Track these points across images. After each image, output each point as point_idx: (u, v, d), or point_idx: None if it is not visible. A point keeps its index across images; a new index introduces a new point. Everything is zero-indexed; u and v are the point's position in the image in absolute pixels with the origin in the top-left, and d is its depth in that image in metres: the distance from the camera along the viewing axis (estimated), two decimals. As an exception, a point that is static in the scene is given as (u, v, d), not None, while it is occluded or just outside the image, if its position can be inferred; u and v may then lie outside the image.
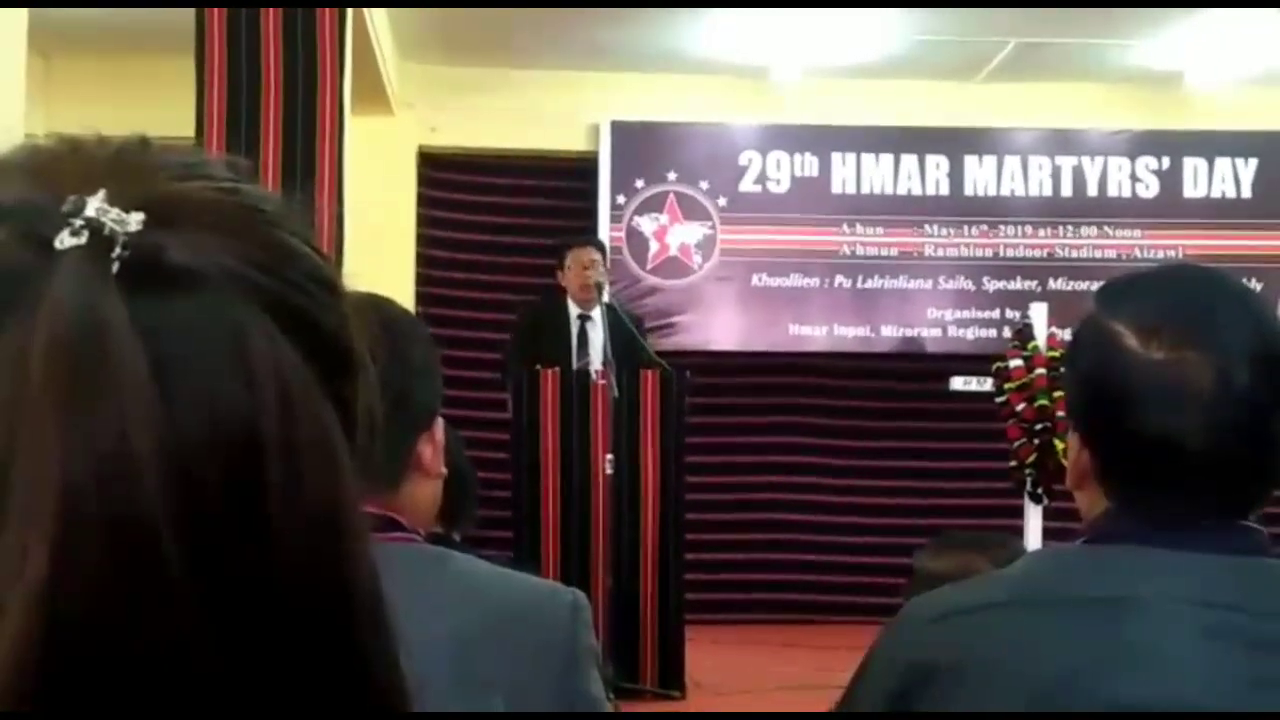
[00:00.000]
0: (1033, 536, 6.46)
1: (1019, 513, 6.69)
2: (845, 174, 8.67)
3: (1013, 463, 6.60)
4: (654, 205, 8.59)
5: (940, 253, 8.69)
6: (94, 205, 0.54)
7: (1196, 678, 1.29)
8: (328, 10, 5.39)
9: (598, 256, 7.07)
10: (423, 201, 8.73)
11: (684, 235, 8.61)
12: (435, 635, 1.33)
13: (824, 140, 8.65)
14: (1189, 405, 1.34)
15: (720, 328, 8.61)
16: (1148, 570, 1.36)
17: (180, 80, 5.43)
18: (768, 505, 8.69)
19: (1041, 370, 6.54)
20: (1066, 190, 8.75)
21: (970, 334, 8.65)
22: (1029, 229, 8.72)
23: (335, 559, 0.57)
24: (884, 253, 8.66)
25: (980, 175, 8.73)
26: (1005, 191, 8.74)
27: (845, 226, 8.65)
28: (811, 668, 6.64)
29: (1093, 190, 8.75)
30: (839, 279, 8.63)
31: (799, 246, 8.62)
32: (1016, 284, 8.64)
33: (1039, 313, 6.83)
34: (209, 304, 0.55)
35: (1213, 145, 8.73)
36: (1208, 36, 7.70)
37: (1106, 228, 8.73)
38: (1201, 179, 8.77)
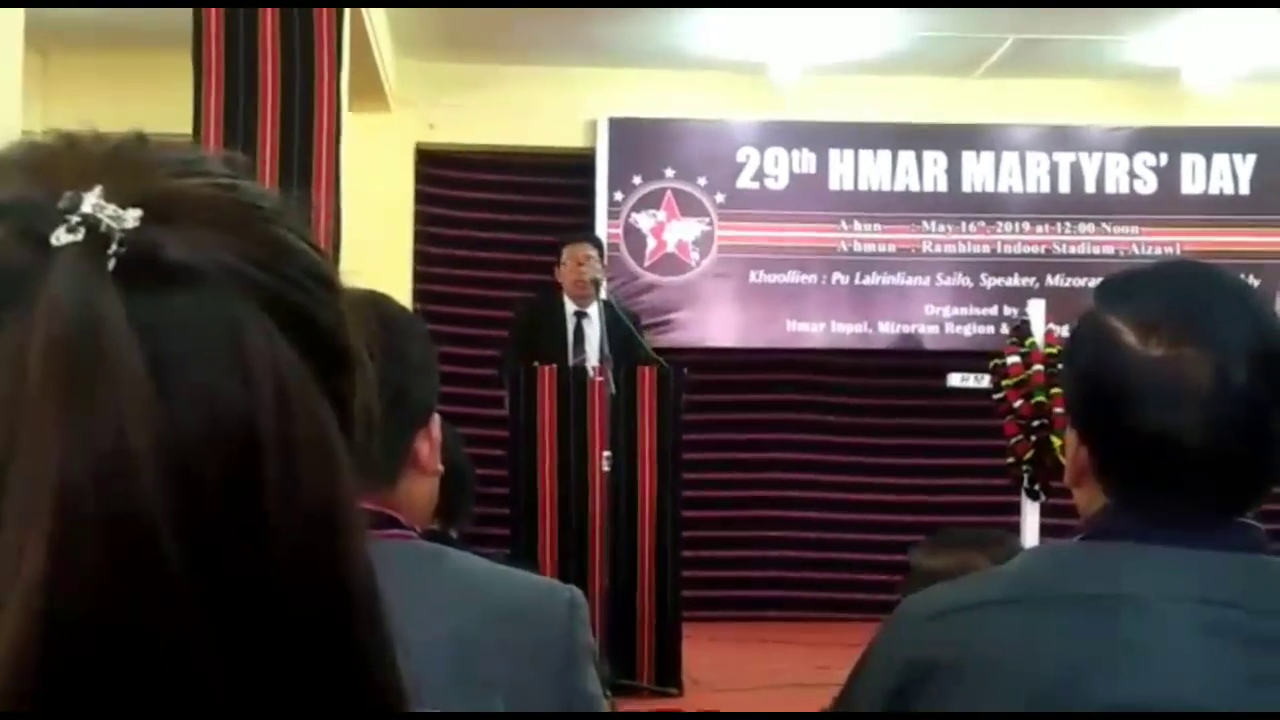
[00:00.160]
0: (1030, 533, 6.46)
1: (1016, 509, 6.69)
2: (843, 170, 8.67)
3: (1010, 459, 6.60)
4: (652, 202, 8.59)
5: (938, 249, 8.69)
6: (90, 202, 0.54)
7: (1195, 675, 1.29)
8: (325, 11, 5.38)
9: (593, 253, 7.06)
10: (420, 198, 8.73)
11: (681, 232, 8.61)
12: (433, 633, 1.33)
13: (822, 137, 8.65)
14: (1187, 402, 1.34)
15: (718, 324, 8.61)
16: (1145, 567, 1.36)
17: (177, 77, 5.42)
18: (765, 502, 8.69)
19: (1039, 367, 6.54)
20: (1064, 187, 8.75)
21: (968, 331, 8.65)
22: (1027, 225, 8.72)
23: (332, 556, 0.57)
24: (882, 249, 8.66)
25: (978, 172, 8.73)
26: (1003, 188, 8.74)
27: (843, 223, 8.65)
28: (808, 665, 6.64)
29: (1090, 187, 8.76)
30: (837, 276, 8.63)
31: (797, 243, 8.62)
32: (1014, 280, 8.64)
33: (1036, 309, 6.83)
34: (206, 300, 0.55)
35: (1210, 142, 8.73)
36: (1205, 33, 7.70)
37: (1104, 224, 8.73)
38: (1199, 175, 8.77)
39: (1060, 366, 6.14)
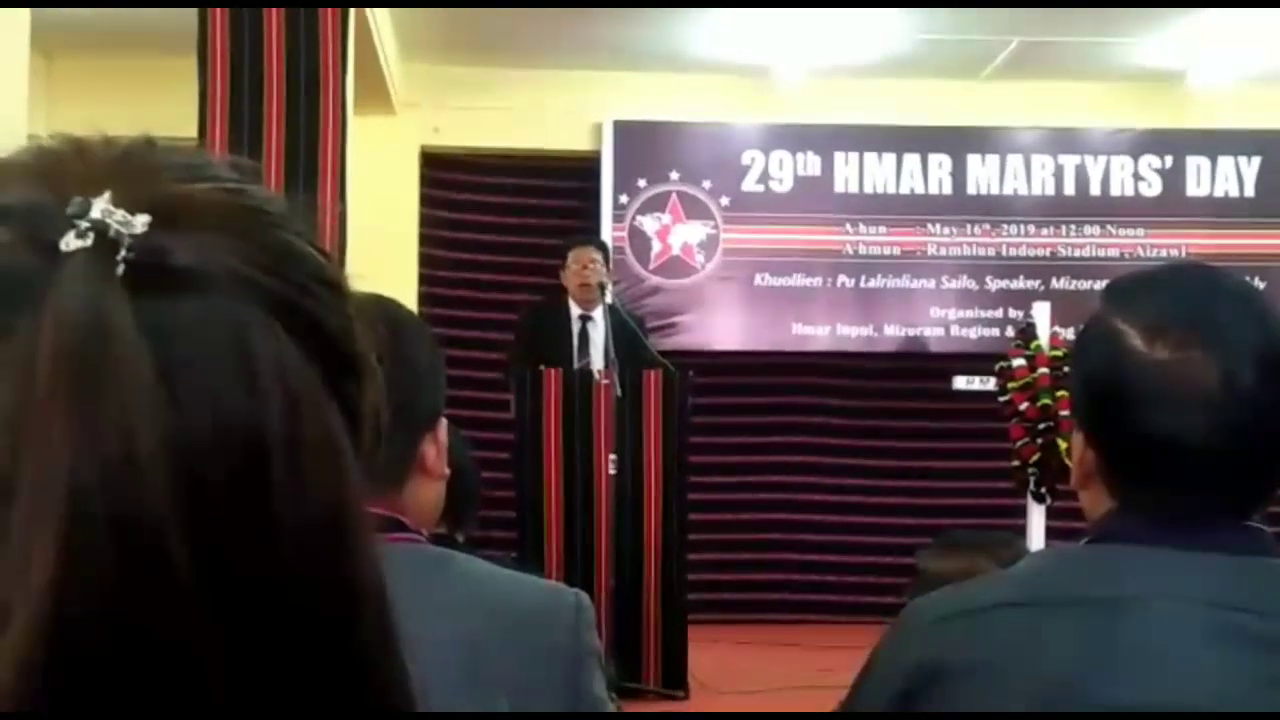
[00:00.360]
0: (1035, 536, 6.46)
1: (1022, 512, 6.69)
2: (848, 173, 8.67)
3: (1015, 462, 6.60)
4: (656, 205, 8.59)
5: (943, 252, 8.69)
6: (99, 207, 0.55)
7: (1203, 678, 1.29)
8: (330, 10, 5.39)
9: (597, 256, 7.06)
10: (425, 201, 8.73)
11: (686, 235, 8.61)
12: (439, 637, 1.33)
13: (826, 140, 8.65)
14: (1194, 405, 1.34)
15: (723, 327, 8.61)
16: (1153, 570, 1.36)
17: (182, 80, 5.43)
18: (770, 505, 8.69)
19: (1044, 369, 6.54)
20: (1069, 189, 8.75)
21: (973, 333, 8.65)
22: (1032, 228, 8.72)
23: (340, 559, 0.57)
24: (887, 252, 8.66)
25: (983, 174, 8.73)
26: (1008, 190, 8.74)
27: (848, 226, 8.65)
28: (814, 668, 6.64)
29: (1095, 189, 8.75)
30: (842, 278, 8.63)
31: (802, 246, 8.62)
32: (1019, 283, 8.64)
33: (1042, 312, 6.83)
34: (214, 305, 0.55)
35: (1215, 144, 8.72)
36: (1210, 35, 7.70)
37: (1109, 227, 8.72)
38: (1204, 178, 8.76)
39: (1066, 369, 6.13)
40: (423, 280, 8.63)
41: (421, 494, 1.61)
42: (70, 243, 0.54)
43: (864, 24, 7.60)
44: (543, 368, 6.61)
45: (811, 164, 8.65)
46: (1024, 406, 6.53)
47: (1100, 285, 1.52)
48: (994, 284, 8.69)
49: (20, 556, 0.51)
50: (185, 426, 0.53)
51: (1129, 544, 1.38)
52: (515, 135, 8.53)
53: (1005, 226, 8.71)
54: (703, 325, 8.58)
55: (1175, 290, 1.44)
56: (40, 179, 0.57)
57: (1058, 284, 8.58)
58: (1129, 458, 1.40)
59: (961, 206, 8.69)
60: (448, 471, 1.64)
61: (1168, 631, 1.31)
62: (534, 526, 6.52)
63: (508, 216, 8.70)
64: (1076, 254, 8.70)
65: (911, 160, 8.68)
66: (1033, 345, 6.67)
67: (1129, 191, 8.76)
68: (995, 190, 8.73)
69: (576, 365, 6.85)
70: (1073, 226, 8.72)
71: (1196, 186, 8.77)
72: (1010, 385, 6.61)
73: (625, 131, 8.56)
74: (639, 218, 8.58)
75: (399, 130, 8.33)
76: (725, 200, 8.61)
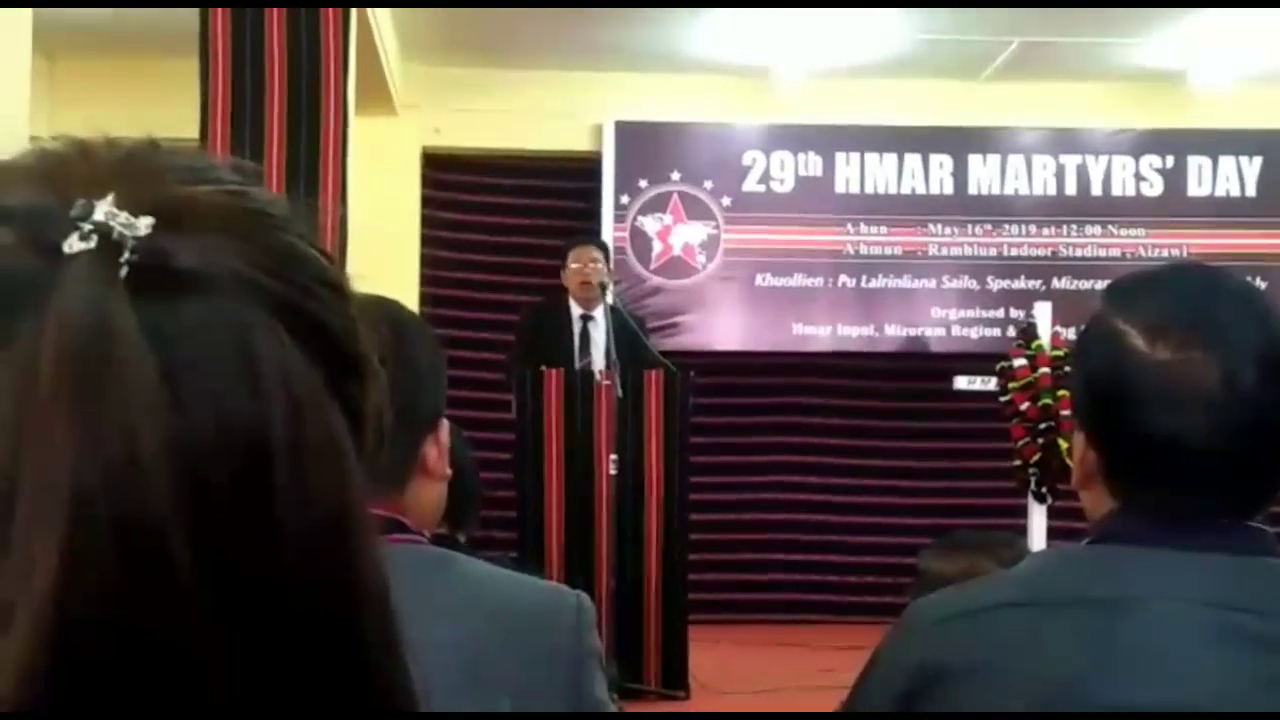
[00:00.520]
0: (1036, 536, 6.46)
1: (1023, 512, 6.69)
2: (849, 173, 8.67)
3: (1017, 462, 6.60)
4: (658, 205, 8.59)
5: (944, 252, 8.69)
6: (103, 209, 0.55)
7: (1205, 678, 1.29)
8: (332, 11, 5.39)
9: (598, 255, 7.06)
10: (427, 203, 8.73)
11: (688, 235, 8.61)
12: (440, 638, 1.33)
13: (828, 140, 8.65)
14: (1195, 405, 1.34)
15: (724, 328, 8.61)
16: (1154, 571, 1.36)
17: (184, 81, 5.43)
18: (771, 505, 8.69)
19: (1045, 369, 6.54)
20: (1070, 189, 8.75)
21: (974, 333, 8.65)
22: (1033, 228, 8.72)
23: (343, 560, 0.57)
24: (888, 252, 8.66)
25: (984, 174, 8.73)
26: (1009, 190, 8.74)
27: (849, 226, 8.65)
28: (815, 668, 6.64)
29: (1097, 189, 8.75)
30: (843, 279, 8.63)
31: (803, 246, 8.62)
32: (1020, 283, 8.64)
33: (1043, 312, 6.83)
34: (217, 307, 0.56)
35: (1217, 144, 8.72)
36: (1211, 35, 7.69)
37: (1111, 227, 8.72)
38: (1206, 178, 8.76)
39: (1067, 369, 6.13)
40: (424, 281, 8.63)
41: (423, 495, 1.61)
42: (74, 245, 0.54)
43: (865, 24, 7.60)
44: (543, 368, 6.61)
45: (813, 164, 8.65)
46: (1025, 406, 6.53)
47: (1101, 285, 1.52)
48: (995, 284, 8.69)
49: (23, 558, 0.51)
50: (188, 428, 0.53)
51: (1130, 544, 1.38)
52: (516, 136, 8.53)
53: (1006, 226, 8.71)
54: (704, 325, 8.58)
55: (1176, 290, 1.44)
56: (44, 181, 0.57)
57: (1059, 284, 8.57)
58: (1130, 458, 1.40)
59: (963, 207, 8.69)
60: (449, 472, 1.64)
61: (1169, 632, 1.31)
62: (535, 527, 6.52)
63: (509, 217, 8.70)
64: (1078, 254, 8.70)
65: (913, 160, 8.68)
66: (1034, 345, 6.67)
67: (1130, 191, 8.76)
68: (996, 190, 8.73)
69: (578, 365, 6.85)
70: (1074, 226, 8.72)
71: (1198, 186, 8.76)
72: (1011, 385, 6.61)
73: (626, 132, 8.56)
74: (640, 218, 8.58)
75: (400, 131, 8.33)
76: (726, 200, 8.61)
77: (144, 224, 0.55)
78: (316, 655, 0.56)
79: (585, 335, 7.01)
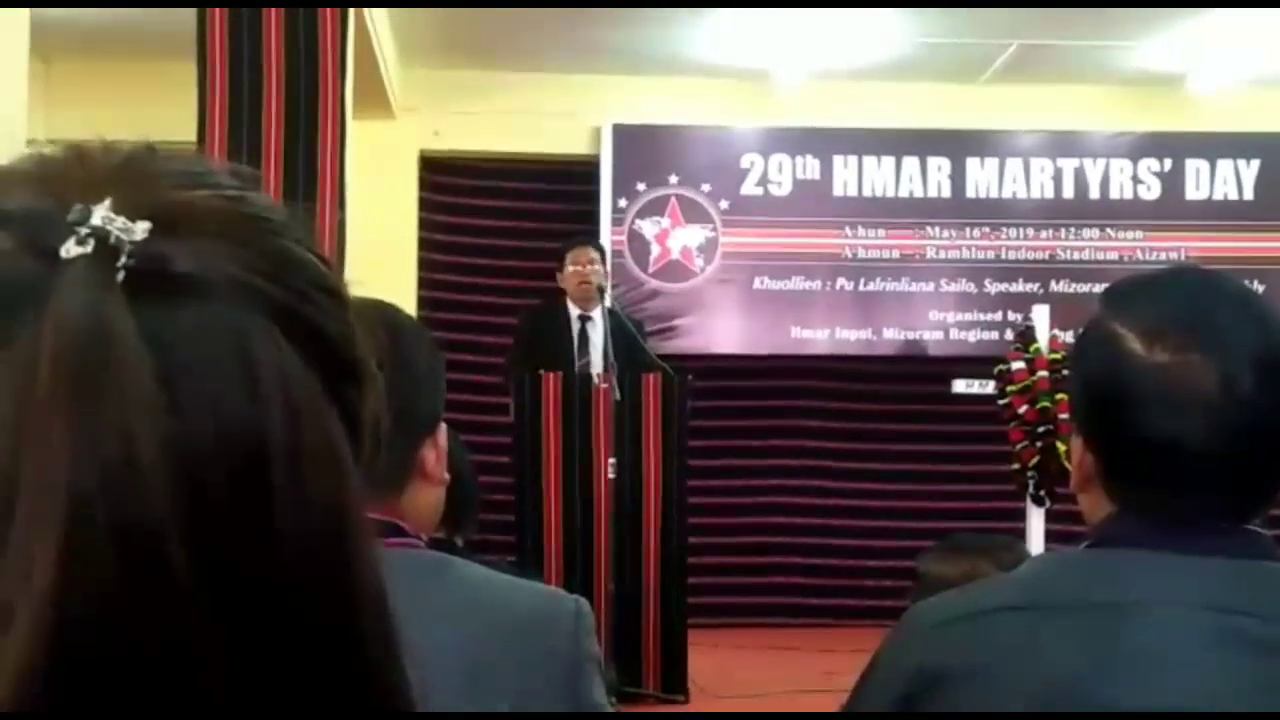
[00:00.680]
0: (1035, 539, 6.46)
1: (1021, 515, 6.69)
2: (847, 176, 8.68)
3: (1015, 465, 6.60)
4: (656, 208, 8.60)
5: (942, 255, 8.69)
6: (100, 214, 0.55)
7: (1204, 682, 1.29)
8: (329, 12, 5.39)
9: (595, 257, 7.07)
10: (425, 206, 8.74)
11: (685, 238, 8.62)
12: (438, 642, 1.33)
13: (825, 143, 8.65)
14: (1193, 408, 1.34)
15: (722, 331, 8.61)
16: (1153, 574, 1.36)
17: (181, 84, 5.43)
18: (770, 508, 8.69)
19: (1043, 373, 6.54)
20: (1068, 192, 8.75)
21: (972, 336, 8.65)
22: (1031, 231, 8.73)
23: (340, 563, 0.58)
24: (886, 255, 8.67)
25: (982, 177, 8.73)
26: (1007, 194, 8.74)
27: (847, 229, 8.65)
28: (815, 671, 6.64)
29: (1095, 192, 8.76)
30: (841, 282, 8.63)
31: (801, 249, 8.62)
32: (1018, 286, 8.64)
33: (1041, 315, 6.83)
34: (214, 312, 0.56)
35: (1214, 147, 8.73)
36: (1210, 38, 7.70)
37: (1108, 230, 8.73)
38: (1203, 181, 8.77)
39: (1065, 372, 6.13)
40: (422, 284, 8.63)
41: (421, 499, 1.60)
42: (71, 249, 0.54)
43: (863, 27, 7.61)
44: (542, 371, 6.61)
45: (810, 167, 8.66)
46: (1023, 409, 6.53)
47: (1099, 288, 1.52)
48: (993, 287, 8.69)
49: (22, 559, 0.51)
50: (186, 432, 0.53)
51: (1129, 548, 1.38)
52: (514, 139, 8.53)
53: (1004, 229, 8.72)
54: (702, 329, 8.59)
55: (1174, 294, 1.44)
56: (41, 186, 0.58)
57: (1057, 287, 8.58)
58: (1128, 461, 1.40)
59: (961, 210, 8.69)
60: (448, 477, 1.63)
61: (1168, 635, 1.31)
62: (533, 530, 6.52)
63: (507, 220, 8.70)
64: (1075, 257, 8.71)
65: (910, 163, 8.69)
66: (1032, 348, 6.67)
67: (1128, 194, 8.77)
68: (994, 193, 8.74)
69: (576, 366, 6.85)
70: (1072, 229, 8.72)
71: (1195, 189, 8.77)
72: (1009, 388, 6.61)
73: (624, 135, 8.57)
74: (638, 221, 8.59)
75: (398, 134, 8.33)
76: (724, 204, 8.62)
77: (141, 228, 0.55)
78: (314, 657, 0.56)
79: (583, 337, 7.01)
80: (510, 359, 7.09)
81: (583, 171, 8.64)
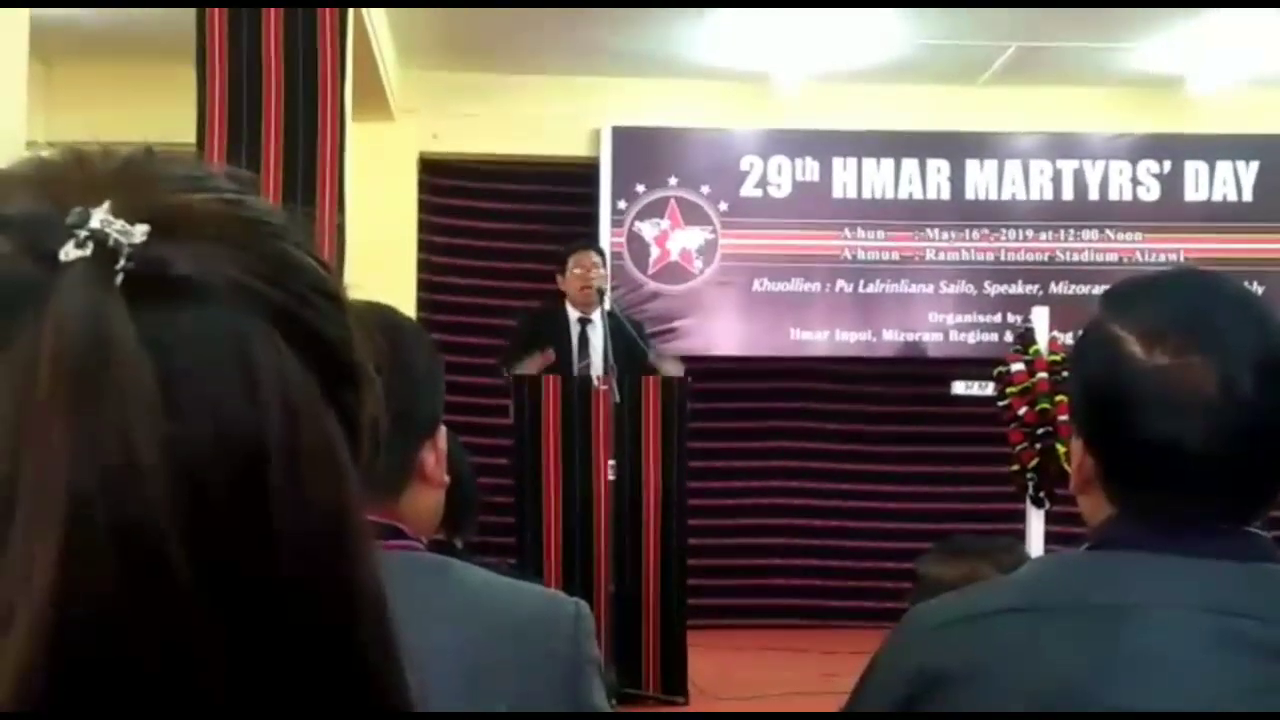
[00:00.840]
0: (1035, 540, 6.46)
1: (1021, 517, 6.69)
2: (846, 178, 8.68)
3: (1014, 467, 6.60)
4: (655, 210, 8.60)
5: (941, 257, 8.69)
6: (99, 217, 0.55)
7: (1204, 684, 1.29)
8: (329, 12, 5.39)
9: (597, 260, 7.09)
10: (424, 208, 8.74)
11: (685, 240, 8.62)
12: (438, 644, 1.33)
13: (825, 145, 8.65)
14: (1193, 410, 1.34)
15: (721, 333, 8.61)
16: (1153, 576, 1.36)
17: (180, 86, 5.43)
18: (770, 510, 8.69)
19: (1043, 374, 6.54)
20: (1068, 194, 8.75)
21: (972, 338, 8.65)
22: (1030, 233, 8.73)
23: (339, 564, 0.58)
24: (885, 257, 8.67)
25: (981, 179, 8.73)
26: (1006, 195, 8.75)
27: (846, 231, 8.65)
28: (815, 673, 6.64)
29: (1094, 194, 8.76)
30: (840, 283, 8.63)
31: (800, 251, 8.62)
32: (1018, 288, 8.64)
33: (1040, 316, 6.83)
34: (213, 315, 0.56)
35: (1214, 149, 8.73)
36: (1208, 40, 7.70)
37: (1108, 231, 8.73)
38: (1203, 182, 8.77)
39: (1065, 374, 6.12)
40: (421, 286, 8.63)
41: (421, 501, 1.60)
42: (70, 252, 0.54)
43: (863, 29, 7.61)
44: (542, 374, 6.61)
45: (810, 169, 8.66)
46: (1023, 411, 6.53)
47: (1099, 290, 1.52)
48: (992, 289, 8.69)
49: (22, 562, 0.51)
50: (185, 434, 0.54)
51: (1129, 550, 1.38)
52: (514, 141, 8.53)
53: (1003, 231, 8.72)
54: (701, 331, 8.58)
55: (1173, 295, 1.44)
56: (40, 189, 0.58)
57: (1056, 289, 8.58)
58: (1128, 463, 1.40)
59: (960, 212, 8.69)
60: (447, 479, 1.63)
61: (1168, 638, 1.31)
62: (533, 532, 6.52)
63: (506, 222, 8.70)
64: (1075, 259, 8.71)
65: (910, 165, 8.69)
66: (1031, 350, 6.67)
67: (1127, 196, 8.77)
68: (993, 195, 8.74)
69: (576, 368, 6.85)
70: (1071, 231, 8.72)
71: (1195, 191, 8.77)
72: (1009, 390, 6.61)
73: (624, 137, 8.57)
74: (637, 223, 8.59)
75: (397, 136, 8.33)
76: (724, 205, 8.62)
77: (140, 231, 0.55)
78: (313, 657, 0.56)
79: (584, 338, 7.01)
80: (507, 354, 7.05)
81: (582, 173, 8.64)
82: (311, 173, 5.32)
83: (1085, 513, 1.48)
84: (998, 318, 8.63)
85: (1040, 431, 6.46)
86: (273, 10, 5.32)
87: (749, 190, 8.64)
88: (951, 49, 7.99)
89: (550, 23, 7.51)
